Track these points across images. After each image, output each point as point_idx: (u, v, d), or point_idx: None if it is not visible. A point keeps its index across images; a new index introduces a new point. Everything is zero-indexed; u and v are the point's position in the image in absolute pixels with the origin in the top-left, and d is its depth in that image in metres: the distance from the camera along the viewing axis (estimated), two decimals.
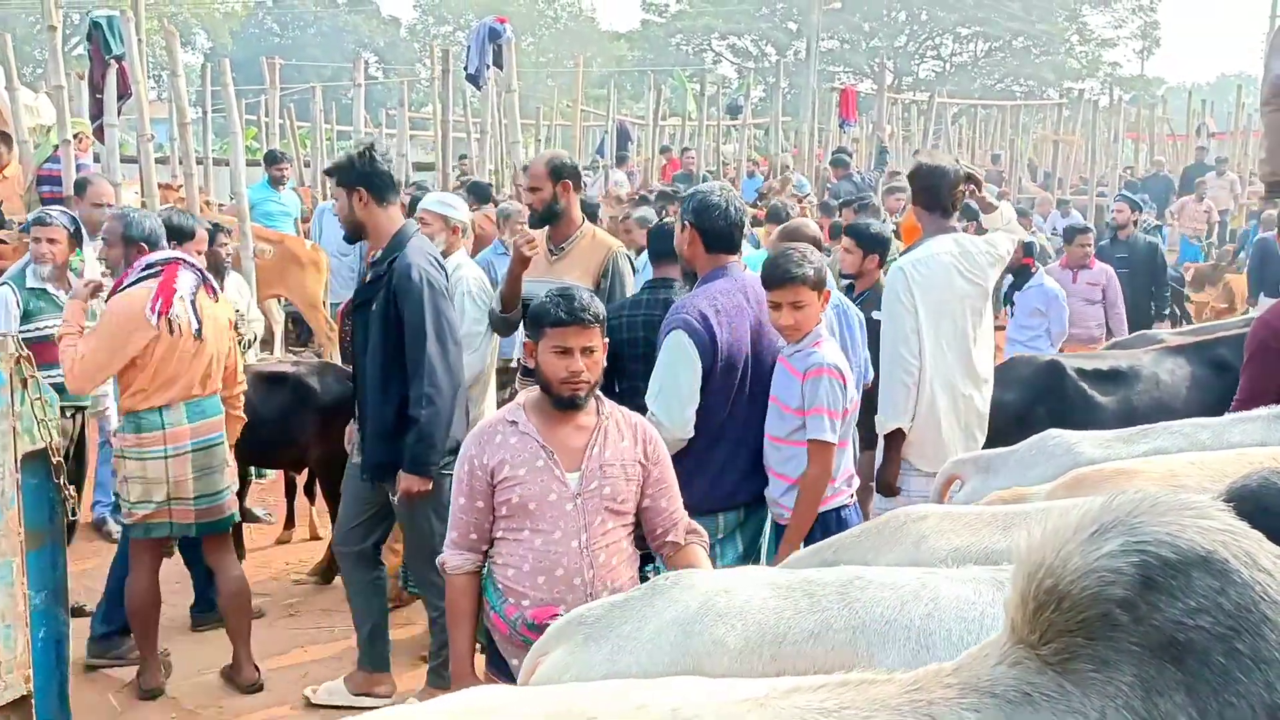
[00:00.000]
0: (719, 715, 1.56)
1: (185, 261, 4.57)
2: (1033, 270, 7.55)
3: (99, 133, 8.78)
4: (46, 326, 5.22)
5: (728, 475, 3.88)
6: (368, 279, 4.37)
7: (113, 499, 5.96)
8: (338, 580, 5.40)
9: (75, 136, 8.53)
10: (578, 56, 22.44)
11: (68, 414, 5.23)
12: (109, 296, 4.55)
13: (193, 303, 4.49)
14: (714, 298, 3.88)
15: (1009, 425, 4.83)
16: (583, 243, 4.96)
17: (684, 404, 3.78)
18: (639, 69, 42.65)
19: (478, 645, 3.27)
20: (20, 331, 5.08)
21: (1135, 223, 9.83)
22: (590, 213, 6.73)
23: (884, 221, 7.18)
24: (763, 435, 3.91)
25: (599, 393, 3.24)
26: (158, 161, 10.13)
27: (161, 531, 4.57)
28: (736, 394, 3.87)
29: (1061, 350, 7.17)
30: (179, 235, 4.93)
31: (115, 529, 5.93)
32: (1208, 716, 1.38)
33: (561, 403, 3.13)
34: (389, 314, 4.21)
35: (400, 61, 47.29)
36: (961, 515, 2.92)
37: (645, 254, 5.52)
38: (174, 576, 5.29)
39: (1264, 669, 1.38)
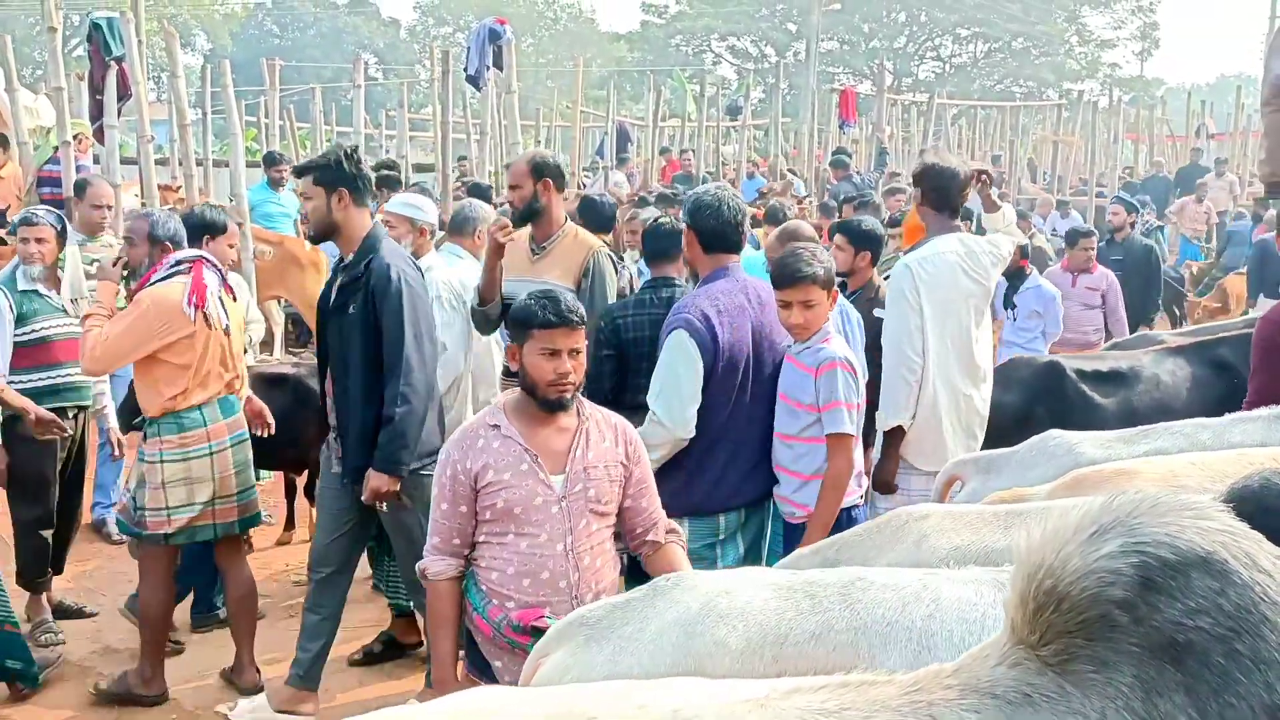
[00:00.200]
0: (720, 716, 1.56)
1: (208, 261, 4.60)
2: (1027, 272, 7.55)
3: (99, 134, 8.78)
4: (43, 328, 5.20)
5: (729, 476, 3.89)
6: (341, 282, 4.30)
7: (115, 502, 5.96)
8: None
9: (75, 138, 8.54)
10: (577, 58, 22.41)
11: (70, 414, 5.23)
12: (133, 293, 4.57)
13: (220, 300, 4.55)
14: (715, 297, 3.89)
15: (1009, 426, 4.83)
16: (564, 242, 4.90)
17: (685, 403, 3.79)
18: (639, 70, 42.68)
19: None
20: (16, 335, 5.08)
21: (1132, 225, 9.84)
22: (610, 214, 6.71)
23: (884, 220, 7.16)
24: (764, 436, 3.91)
25: (579, 394, 3.23)
26: (157, 163, 10.13)
27: (206, 535, 4.58)
28: (738, 394, 3.87)
29: (1051, 352, 7.16)
30: (212, 230, 4.92)
31: (115, 530, 5.93)
32: (1207, 717, 1.38)
33: (549, 405, 3.12)
34: (369, 315, 4.17)
35: (400, 63, 47.33)
36: (963, 514, 2.93)
37: None
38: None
39: (1263, 669, 1.38)
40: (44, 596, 5.36)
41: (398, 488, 4.20)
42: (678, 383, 3.79)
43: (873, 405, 4.37)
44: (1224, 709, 1.38)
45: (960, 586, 2.30)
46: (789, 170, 17.43)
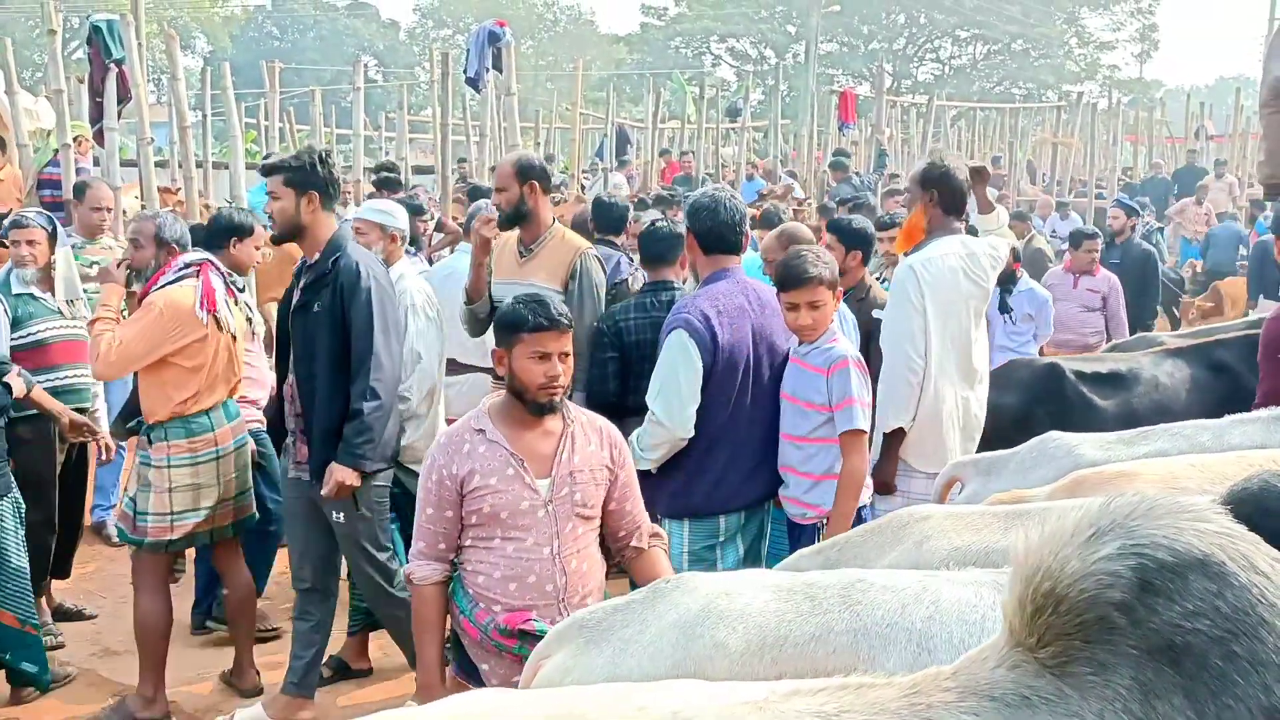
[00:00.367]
0: (719, 718, 1.56)
1: (213, 264, 4.60)
2: (1018, 275, 7.54)
3: (99, 136, 8.77)
4: (39, 331, 5.19)
5: (729, 477, 3.89)
6: (305, 281, 4.27)
7: (118, 504, 5.95)
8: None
9: (75, 140, 8.53)
10: (577, 60, 22.41)
11: None
12: (142, 297, 4.56)
13: (226, 303, 4.54)
14: (715, 298, 3.89)
15: (1009, 428, 4.82)
16: (551, 243, 4.85)
17: (684, 403, 3.79)
18: (638, 72, 42.70)
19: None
20: (12, 339, 5.07)
21: (1132, 229, 9.84)
22: (621, 214, 6.66)
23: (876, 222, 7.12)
24: (764, 437, 3.92)
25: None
26: (157, 165, 10.12)
27: (201, 540, 4.58)
28: (738, 395, 3.88)
29: (1049, 354, 7.16)
30: (239, 232, 4.92)
31: (115, 533, 5.93)
32: (1205, 719, 1.38)
33: (539, 408, 3.11)
34: (336, 312, 4.14)
35: (400, 65, 47.37)
36: (964, 515, 2.93)
37: None
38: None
39: (1261, 671, 1.38)
40: (43, 599, 5.36)
41: (359, 484, 4.16)
42: (677, 382, 3.79)
43: (869, 406, 4.37)
44: (1222, 711, 1.38)
45: (960, 588, 2.30)
46: (789, 173, 17.43)
